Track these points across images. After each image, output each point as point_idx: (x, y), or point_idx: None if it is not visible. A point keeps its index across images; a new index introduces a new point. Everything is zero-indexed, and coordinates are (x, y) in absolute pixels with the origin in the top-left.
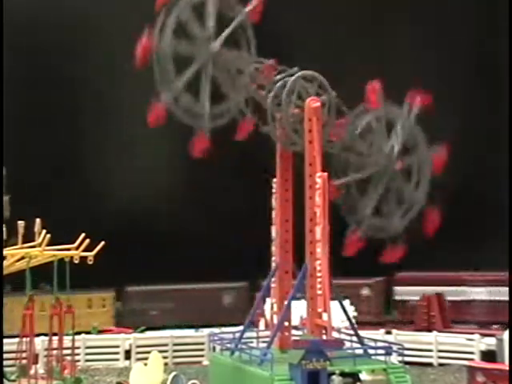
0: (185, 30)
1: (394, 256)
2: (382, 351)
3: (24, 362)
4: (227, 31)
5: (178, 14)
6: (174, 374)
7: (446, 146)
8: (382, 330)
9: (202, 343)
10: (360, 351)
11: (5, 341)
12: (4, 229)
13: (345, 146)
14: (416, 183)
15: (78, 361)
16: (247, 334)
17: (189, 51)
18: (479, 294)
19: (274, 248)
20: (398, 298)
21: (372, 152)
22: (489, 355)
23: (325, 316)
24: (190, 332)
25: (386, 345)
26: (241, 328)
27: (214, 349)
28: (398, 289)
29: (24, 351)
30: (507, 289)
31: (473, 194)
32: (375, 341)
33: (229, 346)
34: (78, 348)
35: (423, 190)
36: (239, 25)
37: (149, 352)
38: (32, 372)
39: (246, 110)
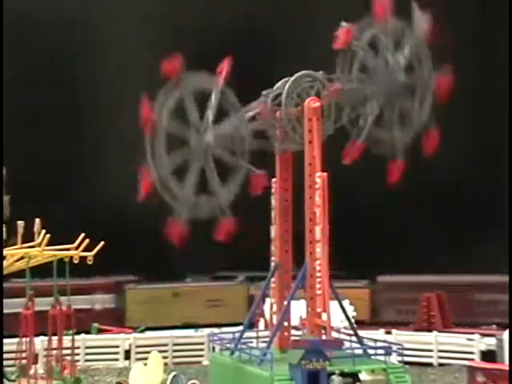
0: (183, 112)
1: (396, 173)
2: (381, 351)
3: (24, 361)
4: (224, 128)
5: (179, 96)
6: (173, 373)
7: (451, 69)
8: (382, 330)
9: (202, 343)
10: (360, 351)
11: (5, 341)
12: (4, 229)
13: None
14: (420, 100)
15: (78, 361)
16: (247, 334)
17: (184, 135)
18: None
19: (273, 248)
20: None
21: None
22: (489, 355)
23: (324, 316)
24: (190, 332)
25: (386, 345)
26: (240, 328)
27: (213, 349)
28: None
29: (24, 351)
30: None
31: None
32: (375, 341)
33: (228, 345)
34: (78, 348)
35: (426, 108)
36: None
37: (148, 352)
38: (32, 372)
39: (228, 211)
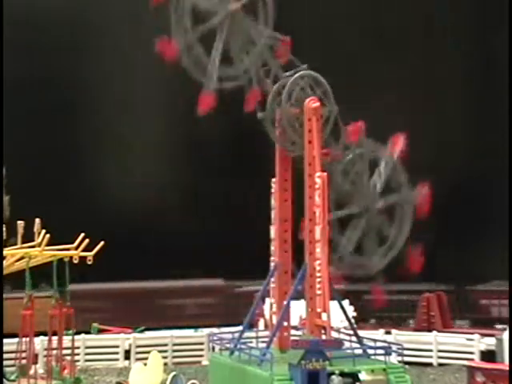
0: None
1: (379, 295)
2: (381, 351)
3: (24, 361)
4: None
5: None
6: (173, 373)
7: (428, 187)
8: (382, 330)
9: (202, 343)
10: (359, 351)
11: (5, 341)
12: (4, 229)
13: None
14: (398, 223)
15: (78, 361)
16: (247, 334)
17: (208, 6)
18: None
19: (273, 248)
20: None
21: (355, 190)
22: (489, 355)
23: (324, 316)
24: (190, 332)
25: (386, 345)
26: (240, 328)
27: (213, 349)
28: None
29: (24, 351)
30: None
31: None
32: (375, 341)
33: (228, 345)
34: (78, 348)
35: (406, 230)
36: None
37: (148, 352)
38: (32, 372)
39: (255, 79)
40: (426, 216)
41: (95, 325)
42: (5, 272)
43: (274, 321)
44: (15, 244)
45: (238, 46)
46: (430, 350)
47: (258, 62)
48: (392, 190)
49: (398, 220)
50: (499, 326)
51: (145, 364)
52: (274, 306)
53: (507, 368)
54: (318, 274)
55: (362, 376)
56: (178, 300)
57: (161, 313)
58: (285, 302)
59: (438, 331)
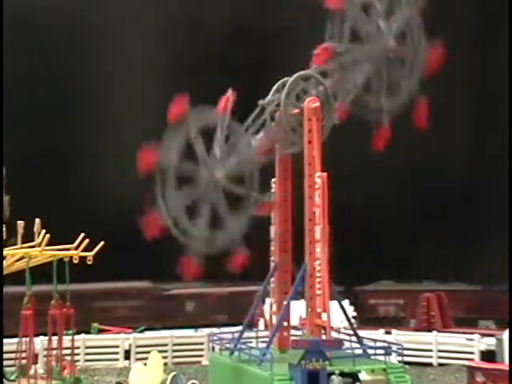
0: (191, 150)
1: (381, 140)
2: (381, 351)
3: (24, 361)
4: (233, 160)
5: (186, 134)
6: (173, 373)
7: (442, 43)
8: (382, 330)
9: (202, 343)
10: (359, 351)
11: (5, 341)
12: (4, 229)
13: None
14: (408, 70)
15: (78, 361)
16: (246, 334)
17: (192, 173)
18: None
19: (273, 248)
20: None
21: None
22: (489, 355)
23: (324, 316)
24: (190, 332)
25: (386, 345)
26: (240, 328)
27: (213, 349)
28: None
29: (24, 351)
30: None
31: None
32: (375, 341)
33: (228, 345)
34: (78, 348)
35: (415, 79)
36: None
37: (148, 352)
38: (32, 372)
39: (239, 243)
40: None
41: (95, 325)
42: (5, 272)
43: (274, 321)
44: (15, 244)
45: (224, 210)
46: (430, 350)
47: None
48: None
49: (407, 68)
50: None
51: (145, 364)
52: (274, 306)
53: (507, 368)
54: (318, 274)
55: (362, 376)
56: (105, 302)
57: (87, 315)
58: (285, 302)
59: (438, 331)
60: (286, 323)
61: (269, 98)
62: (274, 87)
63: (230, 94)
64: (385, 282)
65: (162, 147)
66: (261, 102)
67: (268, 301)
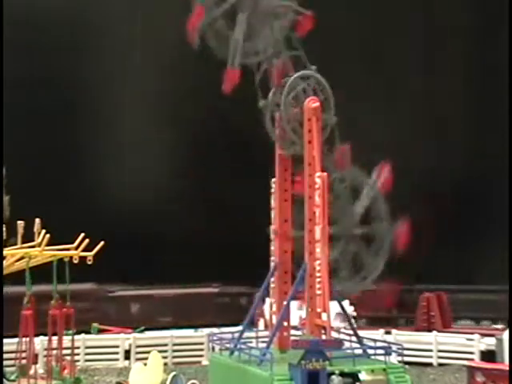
0: None
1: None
2: (381, 351)
3: (24, 361)
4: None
5: None
6: (173, 373)
7: (408, 223)
8: (382, 330)
9: (202, 343)
10: (359, 351)
11: (5, 341)
12: (4, 229)
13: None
14: (376, 252)
15: (78, 361)
16: (246, 334)
17: None
18: None
19: (272, 248)
20: None
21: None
22: (489, 355)
23: (324, 316)
24: (190, 332)
25: (386, 345)
26: (240, 328)
27: (213, 349)
28: None
29: (24, 351)
30: None
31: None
32: (375, 341)
33: (228, 345)
34: (78, 348)
35: (382, 259)
36: None
37: (148, 352)
38: (31, 372)
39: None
40: (403, 250)
41: (95, 325)
42: (5, 272)
43: (274, 321)
44: (15, 244)
45: (261, 22)
46: (430, 350)
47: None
48: (372, 219)
49: (374, 250)
50: None
51: (145, 364)
52: (274, 305)
53: (507, 368)
54: (318, 274)
55: (362, 376)
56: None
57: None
58: (285, 302)
59: (438, 331)
60: (286, 323)
61: (268, 99)
62: (272, 90)
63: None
64: None
65: None
66: (261, 103)
67: (268, 301)
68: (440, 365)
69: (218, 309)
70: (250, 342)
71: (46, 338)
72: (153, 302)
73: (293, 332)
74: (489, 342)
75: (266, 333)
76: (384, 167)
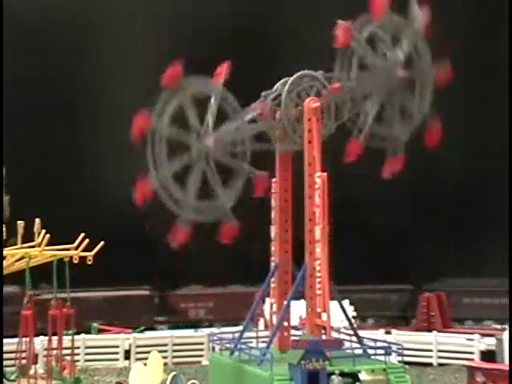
0: (183, 118)
1: (395, 168)
2: (381, 351)
3: (24, 361)
4: (226, 128)
5: (179, 102)
6: (173, 373)
7: (449, 65)
8: (382, 330)
9: (202, 343)
10: (359, 351)
11: (5, 341)
12: (4, 229)
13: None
14: (419, 95)
15: (78, 361)
16: (247, 334)
17: (184, 140)
18: None
19: (273, 248)
20: None
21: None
22: (489, 355)
23: (324, 316)
24: (190, 332)
25: (386, 345)
26: (240, 328)
27: (213, 349)
28: None
29: (24, 351)
30: None
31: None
32: (375, 341)
33: (228, 345)
34: (78, 348)
35: (426, 102)
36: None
37: (148, 352)
38: (32, 372)
39: (231, 214)
40: (445, 86)
41: (95, 325)
42: (5, 272)
43: (274, 321)
44: (15, 244)
45: (215, 180)
46: (430, 350)
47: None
48: (413, 62)
49: (418, 92)
50: None
51: (145, 364)
52: (274, 306)
53: (507, 368)
54: (318, 274)
55: (362, 376)
56: None
57: None
58: (285, 302)
59: (438, 331)
60: (286, 323)
61: (272, 90)
62: (274, 89)
63: (225, 65)
64: None
65: (155, 113)
66: (263, 93)
67: (268, 301)
68: (440, 365)
69: None
70: (250, 342)
71: (46, 338)
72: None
73: (293, 332)
74: (489, 342)
75: (266, 333)
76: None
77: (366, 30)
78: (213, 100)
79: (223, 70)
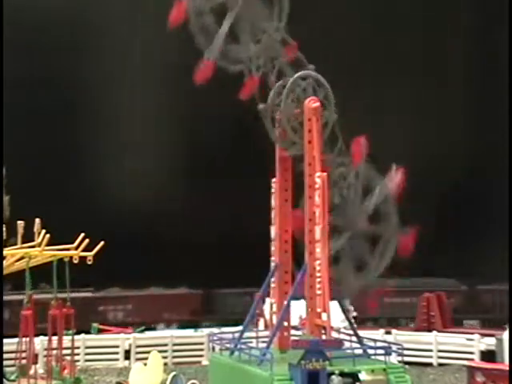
0: None
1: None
2: (381, 351)
3: (24, 361)
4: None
5: None
6: (173, 373)
7: (414, 232)
8: (382, 330)
9: (202, 343)
10: (359, 351)
11: (5, 341)
12: (4, 229)
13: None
14: (380, 252)
15: (78, 361)
16: (247, 334)
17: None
18: None
19: (273, 248)
20: None
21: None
22: (489, 355)
23: (324, 316)
24: (190, 332)
25: (386, 345)
26: (240, 328)
27: (213, 349)
28: None
29: (24, 351)
30: None
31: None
32: (375, 341)
33: (228, 345)
34: (78, 348)
35: (385, 261)
36: None
37: (148, 352)
38: (32, 372)
39: (258, 68)
40: (408, 254)
41: (95, 325)
42: (5, 272)
43: (274, 321)
44: (15, 244)
45: (247, 30)
46: (430, 350)
47: (265, 53)
48: (380, 219)
49: (379, 250)
50: None
51: (145, 364)
52: (274, 306)
53: (507, 368)
54: (318, 274)
55: (362, 376)
56: None
57: None
58: (285, 302)
59: (438, 331)
60: (286, 323)
61: (268, 102)
62: (272, 91)
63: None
64: None
65: None
66: (261, 106)
67: (268, 301)
68: (440, 365)
69: None
70: (250, 342)
71: (46, 338)
72: None
73: (293, 332)
74: (489, 342)
75: (266, 333)
76: (397, 170)
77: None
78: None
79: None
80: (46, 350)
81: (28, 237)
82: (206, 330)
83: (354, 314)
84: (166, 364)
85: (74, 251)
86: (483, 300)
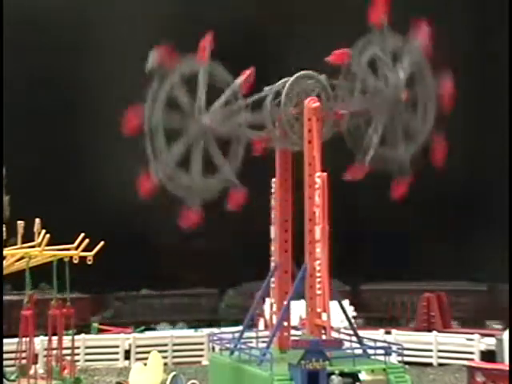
0: (175, 103)
1: (401, 190)
2: (381, 351)
3: (24, 361)
4: (218, 103)
5: (169, 87)
6: (173, 373)
7: (452, 78)
8: (382, 330)
9: (202, 343)
10: (359, 351)
11: (5, 341)
12: (4, 229)
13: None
14: (422, 114)
15: (78, 361)
16: (247, 334)
17: (180, 125)
18: None
19: (273, 248)
20: None
21: (378, 82)
22: (489, 355)
23: (324, 316)
24: (190, 332)
25: (386, 345)
26: (240, 328)
27: (213, 349)
28: None
29: (24, 351)
30: None
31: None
32: (375, 341)
33: (228, 345)
34: (78, 348)
35: (430, 122)
36: (231, 95)
37: (148, 352)
38: (32, 372)
39: (237, 182)
40: (449, 109)
41: (95, 325)
42: (5, 272)
43: (274, 321)
44: (15, 244)
45: (217, 154)
46: (430, 350)
47: None
48: (415, 81)
49: (421, 112)
50: None
51: (145, 364)
52: (274, 306)
53: (507, 368)
54: (318, 274)
55: (362, 376)
56: None
57: None
58: (285, 302)
59: (438, 331)
60: (286, 323)
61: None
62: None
63: (207, 38)
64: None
65: (147, 104)
66: (266, 88)
67: (268, 301)
68: (440, 365)
69: None
70: (250, 342)
71: (46, 338)
72: None
73: (293, 332)
74: (489, 342)
75: (266, 333)
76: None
77: (367, 53)
78: (200, 76)
79: (207, 42)
80: (46, 350)
81: (28, 237)
82: (206, 330)
83: (354, 314)
84: (166, 364)
85: (74, 251)
86: (483, 300)
